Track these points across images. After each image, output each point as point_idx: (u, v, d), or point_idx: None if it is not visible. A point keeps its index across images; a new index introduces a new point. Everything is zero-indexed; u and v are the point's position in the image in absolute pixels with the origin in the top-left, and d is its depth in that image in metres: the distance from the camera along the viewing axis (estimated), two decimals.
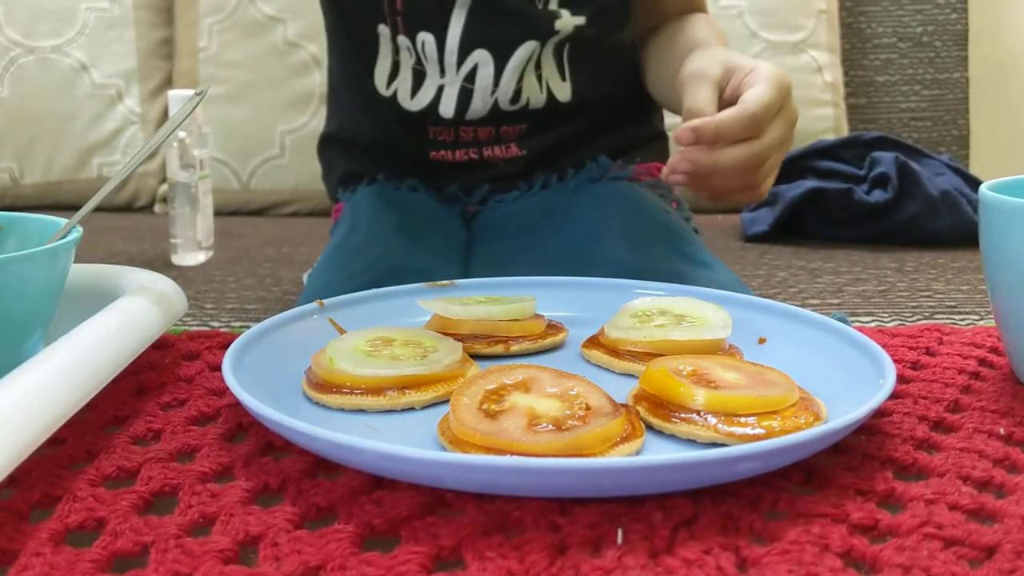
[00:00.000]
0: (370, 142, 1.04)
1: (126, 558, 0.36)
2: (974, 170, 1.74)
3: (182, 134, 1.29)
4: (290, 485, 0.41)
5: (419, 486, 0.40)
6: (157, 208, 1.83)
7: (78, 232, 0.54)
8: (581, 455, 0.41)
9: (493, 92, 0.93)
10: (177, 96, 1.31)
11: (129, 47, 1.86)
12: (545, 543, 0.36)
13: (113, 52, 1.85)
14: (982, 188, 0.54)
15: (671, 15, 0.98)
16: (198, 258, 1.33)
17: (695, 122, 0.64)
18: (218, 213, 1.49)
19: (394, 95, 0.96)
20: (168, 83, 1.88)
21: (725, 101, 0.69)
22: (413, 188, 1.01)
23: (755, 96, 0.65)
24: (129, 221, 1.69)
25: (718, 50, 0.75)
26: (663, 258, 0.83)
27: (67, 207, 1.78)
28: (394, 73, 0.96)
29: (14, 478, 0.41)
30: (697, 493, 0.40)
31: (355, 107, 1.05)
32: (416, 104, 0.96)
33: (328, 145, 1.10)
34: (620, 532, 0.37)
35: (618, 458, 0.41)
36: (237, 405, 0.50)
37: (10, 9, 1.85)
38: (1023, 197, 0.52)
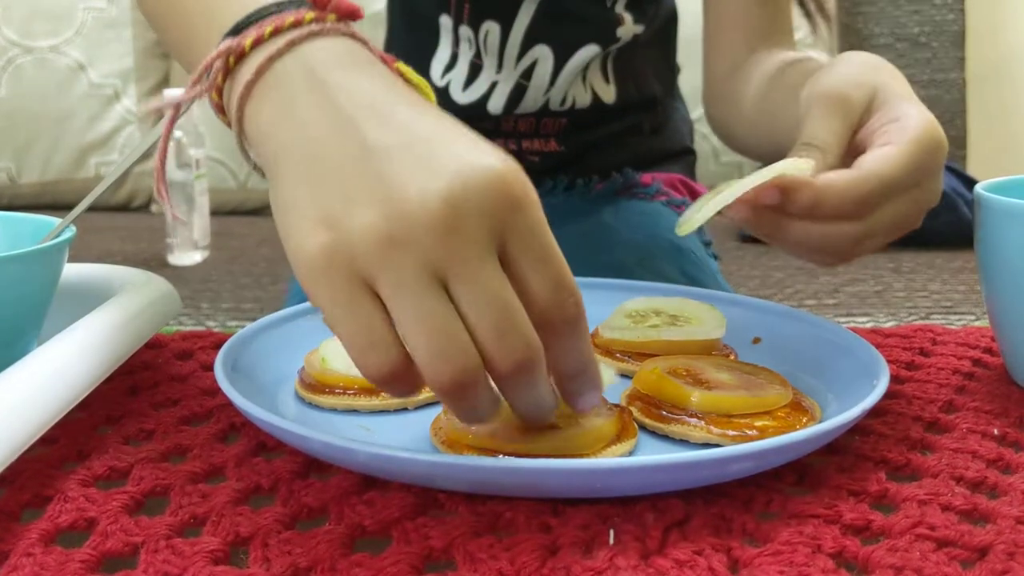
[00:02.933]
0: None
1: (116, 558, 0.36)
2: (971, 171, 1.74)
3: (178, 133, 1.29)
4: (281, 486, 0.41)
5: (411, 487, 0.40)
6: (154, 208, 1.83)
7: (71, 231, 0.54)
8: (573, 455, 0.41)
9: (547, 91, 0.93)
10: (175, 95, 1.31)
11: (126, 47, 1.86)
12: (536, 544, 0.36)
13: (110, 52, 1.85)
14: (977, 188, 0.54)
15: (750, 47, 0.85)
16: (194, 258, 1.32)
17: (790, 178, 0.47)
18: (215, 212, 1.49)
19: (446, 87, 0.96)
20: (165, 82, 1.88)
21: (856, 144, 0.52)
22: None
23: (881, 164, 0.48)
24: (126, 221, 1.69)
25: (873, 64, 0.55)
26: (666, 275, 0.83)
27: (64, 207, 1.77)
28: (451, 65, 0.97)
29: (5, 478, 0.41)
30: (689, 494, 0.39)
31: None
32: (467, 97, 0.95)
33: None
34: (612, 533, 0.37)
35: (610, 459, 0.41)
36: (229, 405, 0.50)
37: (8, 9, 1.85)
38: (1019, 197, 0.52)
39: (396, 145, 0.37)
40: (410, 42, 1.01)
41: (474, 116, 0.95)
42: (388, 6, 1.03)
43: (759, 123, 0.78)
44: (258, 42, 0.42)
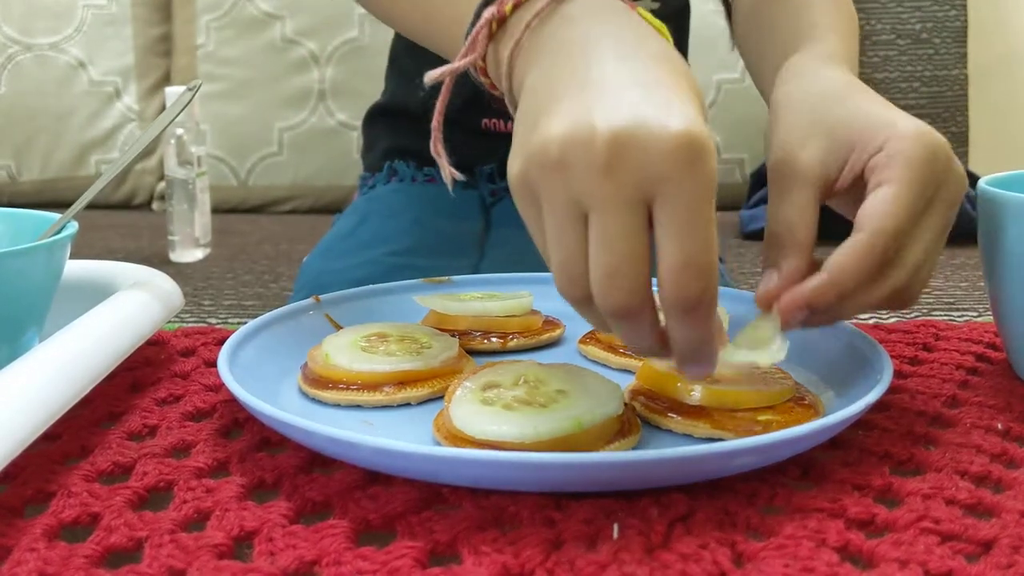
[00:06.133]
0: (421, 110, 1.04)
1: (120, 553, 0.36)
2: (973, 167, 1.74)
3: (179, 131, 1.29)
4: (285, 480, 0.41)
5: (414, 481, 0.40)
6: (155, 205, 1.83)
7: (74, 227, 0.54)
8: (577, 451, 0.41)
9: None
10: (175, 93, 1.31)
11: (126, 44, 1.86)
12: (541, 538, 0.36)
13: (111, 49, 1.85)
14: (980, 182, 0.54)
15: None
16: (196, 255, 1.32)
17: (806, 290, 0.44)
18: (216, 210, 1.49)
19: None
20: (166, 80, 1.88)
21: (839, 190, 0.48)
22: (431, 178, 1.00)
23: (882, 217, 0.44)
24: (127, 218, 1.69)
25: (821, 87, 0.52)
26: None
27: (65, 204, 1.76)
28: None
29: (8, 473, 0.41)
30: (693, 488, 0.39)
31: (414, 73, 1.05)
32: None
33: (375, 118, 1.10)
34: (616, 527, 0.37)
35: (614, 453, 0.41)
36: (232, 401, 0.50)
37: (8, 6, 1.84)
38: (1022, 192, 0.51)
39: (610, 84, 0.39)
40: None
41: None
42: None
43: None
44: (517, 5, 0.45)
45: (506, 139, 1.02)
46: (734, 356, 0.44)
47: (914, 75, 1.85)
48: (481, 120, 0.98)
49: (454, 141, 1.04)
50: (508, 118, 0.96)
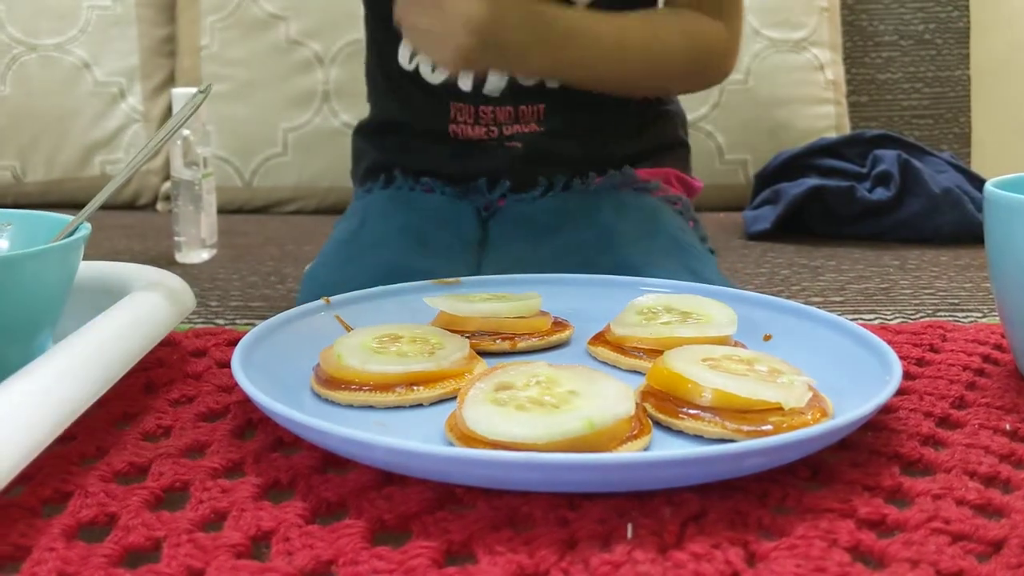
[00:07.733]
0: (397, 124, 1.06)
1: (139, 553, 0.36)
2: (976, 168, 1.74)
3: (186, 132, 1.30)
4: (300, 481, 0.41)
5: (428, 481, 0.40)
6: (160, 206, 1.83)
7: (87, 229, 0.54)
8: (589, 451, 0.41)
9: None
10: (181, 94, 1.31)
11: (131, 45, 1.86)
12: (554, 538, 0.36)
13: (115, 50, 1.85)
14: (987, 185, 0.55)
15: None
16: (202, 256, 1.33)
17: None
18: (220, 211, 1.49)
19: (416, 69, 1.00)
20: (170, 81, 1.88)
21: None
22: (428, 188, 1.01)
23: None
24: (132, 219, 1.69)
25: None
26: (671, 272, 0.84)
27: (70, 205, 1.78)
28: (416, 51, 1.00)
29: (25, 475, 0.42)
30: (705, 488, 0.40)
31: (385, 90, 1.09)
32: (437, 77, 0.99)
33: (359, 135, 1.13)
34: (629, 527, 0.37)
35: (627, 453, 0.41)
36: (246, 401, 0.50)
37: (12, 7, 1.85)
38: None
39: None
40: (378, 32, 1.05)
41: (451, 97, 1.00)
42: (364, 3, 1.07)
43: None
44: None
45: (476, 146, 1.06)
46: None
47: (917, 76, 1.85)
48: (448, 127, 1.00)
49: (431, 152, 1.07)
50: (474, 122, 0.99)
